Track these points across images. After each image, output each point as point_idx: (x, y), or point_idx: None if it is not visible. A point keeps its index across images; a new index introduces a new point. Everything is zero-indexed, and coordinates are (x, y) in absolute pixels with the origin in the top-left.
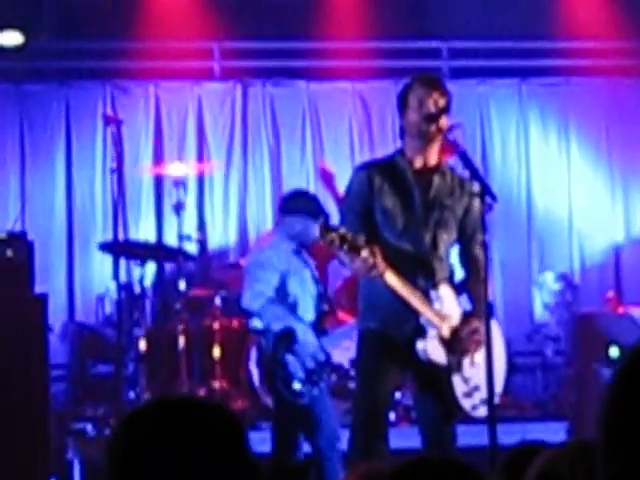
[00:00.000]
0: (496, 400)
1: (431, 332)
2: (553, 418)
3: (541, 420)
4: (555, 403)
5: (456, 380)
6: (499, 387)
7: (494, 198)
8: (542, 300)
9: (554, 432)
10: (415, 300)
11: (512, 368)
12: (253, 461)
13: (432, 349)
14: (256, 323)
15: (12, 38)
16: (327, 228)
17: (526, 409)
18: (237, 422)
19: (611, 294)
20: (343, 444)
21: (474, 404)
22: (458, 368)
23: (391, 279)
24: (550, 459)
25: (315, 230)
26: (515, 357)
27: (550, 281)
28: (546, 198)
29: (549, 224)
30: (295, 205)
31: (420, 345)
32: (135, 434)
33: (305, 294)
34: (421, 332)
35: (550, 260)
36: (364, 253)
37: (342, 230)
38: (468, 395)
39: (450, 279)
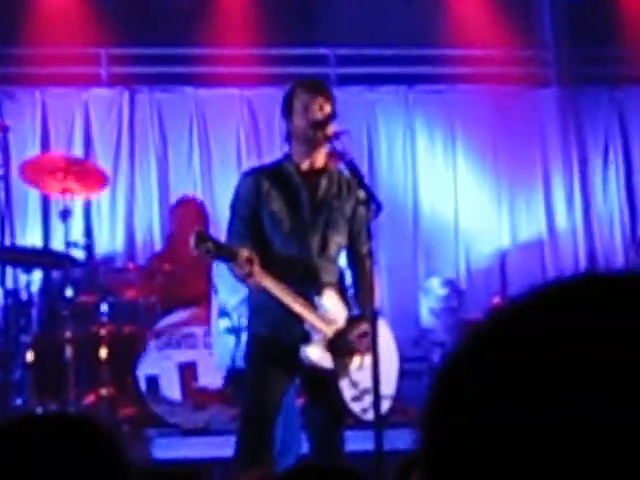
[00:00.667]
0: (388, 403)
1: (316, 337)
2: None
3: None
4: None
5: (344, 384)
6: (392, 389)
7: (379, 206)
8: (428, 305)
9: None
10: (297, 306)
11: (400, 373)
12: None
13: (316, 354)
14: None
15: None
16: (203, 237)
17: (412, 415)
18: (106, 435)
19: (497, 300)
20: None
21: (364, 407)
22: (345, 372)
23: (271, 286)
24: None
25: None
26: (402, 362)
27: (436, 286)
28: (432, 204)
29: (435, 230)
30: None
31: (304, 352)
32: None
33: None
34: (307, 338)
35: (436, 265)
36: (239, 261)
37: (216, 240)
38: (357, 399)
39: (341, 282)
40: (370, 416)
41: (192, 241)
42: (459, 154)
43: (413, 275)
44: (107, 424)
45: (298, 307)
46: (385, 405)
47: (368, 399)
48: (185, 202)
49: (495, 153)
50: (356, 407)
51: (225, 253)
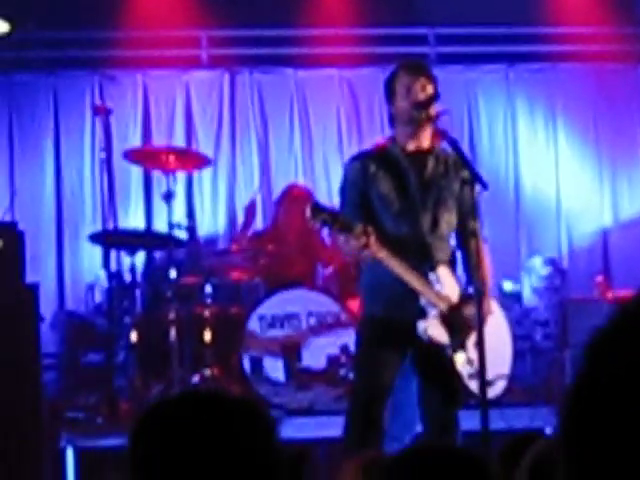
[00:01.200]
0: (504, 383)
1: (432, 312)
2: (543, 403)
3: (531, 405)
4: (545, 388)
5: (460, 361)
6: (507, 369)
7: (485, 186)
8: (531, 285)
9: (543, 417)
10: (414, 280)
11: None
12: (281, 458)
13: (433, 329)
14: None
15: None
16: (318, 209)
17: (517, 394)
18: (267, 418)
19: (600, 279)
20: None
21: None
22: (461, 349)
23: (387, 258)
24: (543, 449)
25: None
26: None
27: (538, 265)
28: (534, 183)
29: (537, 209)
30: None
31: (421, 326)
32: (162, 426)
33: None
34: (423, 313)
35: (538, 245)
36: (357, 231)
37: (333, 211)
38: (472, 376)
39: (452, 260)
40: (490, 394)
41: (308, 212)
42: (560, 132)
43: (515, 254)
44: (266, 409)
45: (415, 281)
46: (500, 385)
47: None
48: (293, 189)
49: (596, 131)
50: (473, 385)
51: (341, 224)
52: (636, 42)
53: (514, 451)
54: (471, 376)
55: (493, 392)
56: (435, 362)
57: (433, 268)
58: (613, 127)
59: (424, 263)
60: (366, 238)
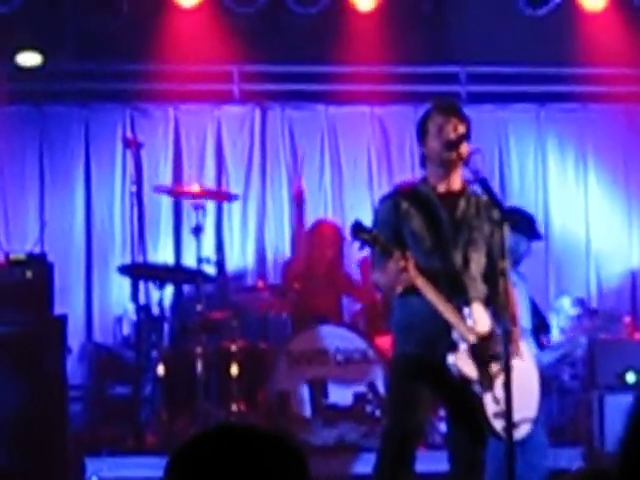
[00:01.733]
0: (529, 427)
1: (462, 347)
2: (569, 443)
3: (557, 445)
4: (572, 428)
5: (487, 399)
6: (533, 413)
7: (514, 226)
8: (559, 325)
9: (570, 457)
10: (448, 311)
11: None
12: None
13: (462, 363)
14: None
15: (32, 59)
16: (360, 229)
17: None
18: (301, 455)
19: (628, 319)
20: None
21: (504, 426)
22: (490, 387)
23: (424, 286)
24: None
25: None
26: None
27: (567, 306)
28: (564, 223)
29: (566, 249)
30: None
31: (451, 359)
32: (197, 461)
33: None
34: (454, 347)
35: (567, 285)
36: (396, 254)
37: (374, 231)
38: (498, 415)
39: (486, 300)
40: (514, 436)
41: (349, 232)
42: (590, 173)
43: (544, 294)
44: (299, 446)
45: (449, 312)
46: (525, 428)
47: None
48: (322, 225)
49: (626, 172)
50: (498, 424)
51: (382, 245)
52: None
53: None
54: (496, 415)
55: (518, 434)
56: (464, 399)
57: (467, 303)
58: None
59: (458, 298)
60: (405, 262)
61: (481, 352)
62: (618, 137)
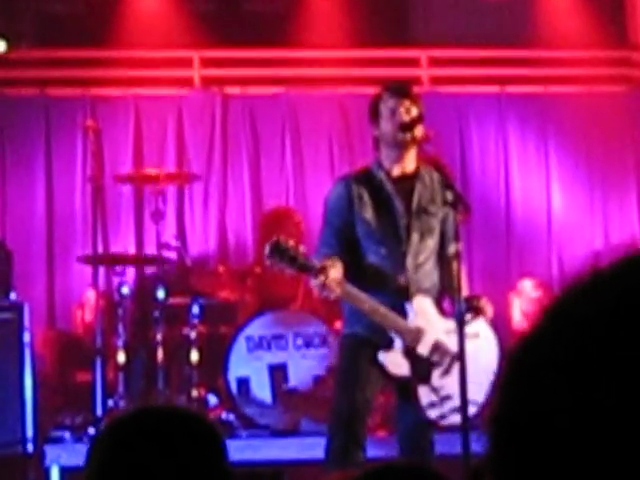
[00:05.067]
0: (475, 409)
1: (397, 344)
2: None
3: None
4: None
5: (422, 391)
6: (481, 396)
7: (467, 208)
8: (521, 307)
9: None
10: (379, 315)
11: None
12: (230, 472)
13: (390, 361)
14: None
15: None
16: (278, 247)
17: None
18: (217, 432)
19: None
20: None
21: (442, 413)
22: (424, 380)
23: (348, 296)
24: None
25: None
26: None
27: (529, 288)
28: (525, 205)
29: (528, 231)
30: None
31: (381, 356)
32: (116, 442)
33: None
34: (389, 344)
35: (529, 267)
36: (312, 273)
37: (292, 251)
38: (434, 405)
39: (437, 286)
40: (447, 422)
41: (266, 250)
42: (551, 155)
43: (506, 276)
44: (215, 426)
45: (380, 315)
46: (470, 410)
47: (448, 405)
48: (279, 211)
49: (588, 155)
50: (432, 413)
51: (299, 265)
52: (627, 65)
53: (478, 472)
54: (432, 405)
55: (458, 418)
56: (406, 389)
57: (410, 298)
58: (604, 150)
59: (402, 293)
60: (323, 278)
61: (416, 349)
62: (579, 119)
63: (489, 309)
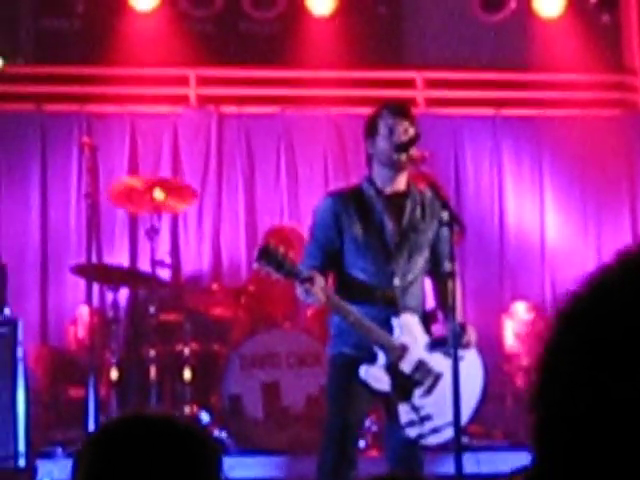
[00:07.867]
0: (451, 432)
1: (380, 359)
2: (523, 447)
3: (511, 449)
4: (525, 432)
5: (402, 409)
6: (461, 420)
7: (463, 228)
8: (513, 330)
9: (524, 461)
10: (364, 328)
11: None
12: None
13: (373, 375)
14: None
15: None
16: (267, 253)
17: (495, 437)
18: (215, 446)
19: None
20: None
21: (421, 433)
22: (405, 397)
23: (334, 305)
24: None
25: None
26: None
27: (522, 311)
28: (519, 228)
29: (521, 254)
30: None
31: (362, 371)
32: (104, 450)
33: None
34: (372, 359)
35: (522, 290)
36: (299, 279)
37: (280, 257)
38: (413, 424)
39: (423, 305)
40: (426, 442)
41: (255, 253)
42: (546, 178)
43: (499, 299)
44: (210, 437)
45: (365, 328)
46: (448, 433)
47: (428, 425)
48: (276, 230)
49: (582, 178)
50: (411, 432)
51: (285, 271)
52: (622, 89)
53: None
54: (412, 423)
55: (438, 439)
56: (390, 408)
57: (397, 314)
58: (599, 174)
59: (390, 309)
60: (310, 285)
61: (399, 366)
62: (573, 142)
63: (473, 337)
